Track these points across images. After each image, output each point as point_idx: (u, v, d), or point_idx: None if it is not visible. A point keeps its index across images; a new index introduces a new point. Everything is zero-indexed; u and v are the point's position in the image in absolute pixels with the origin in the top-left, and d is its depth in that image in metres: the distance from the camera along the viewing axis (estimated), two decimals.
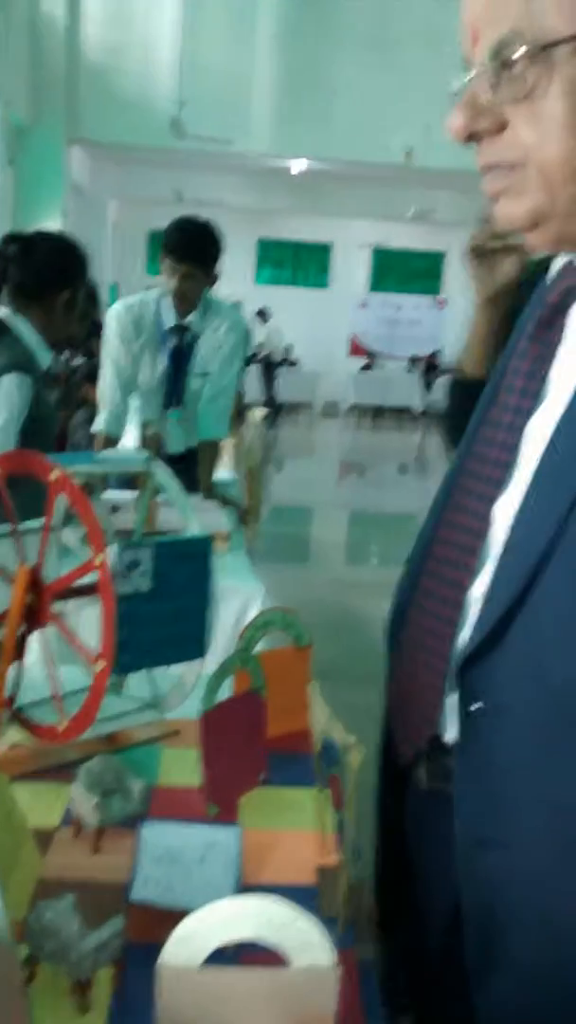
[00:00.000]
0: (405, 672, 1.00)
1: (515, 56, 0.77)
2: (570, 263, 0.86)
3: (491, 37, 0.79)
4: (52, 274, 2.21)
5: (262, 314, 14.70)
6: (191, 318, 3.11)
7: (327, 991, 0.66)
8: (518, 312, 1.53)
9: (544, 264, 1.49)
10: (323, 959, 0.65)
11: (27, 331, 2.19)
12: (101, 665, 1.05)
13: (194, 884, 0.91)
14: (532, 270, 1.49)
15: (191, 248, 3.00)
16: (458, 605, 0.91)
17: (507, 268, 1.47)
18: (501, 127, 0.81)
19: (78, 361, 4.12)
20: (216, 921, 0.66)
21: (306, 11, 9.36)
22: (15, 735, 1.19)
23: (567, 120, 0.78)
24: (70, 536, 1.29)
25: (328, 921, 0.87)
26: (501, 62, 0.78)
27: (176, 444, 3.21)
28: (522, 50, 0.77)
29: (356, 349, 16.71)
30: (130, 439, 3.30)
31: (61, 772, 1.16)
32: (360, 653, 4.05)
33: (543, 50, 0.77)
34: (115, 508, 2.54)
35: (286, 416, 15.06)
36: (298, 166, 11.29)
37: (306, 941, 0.66)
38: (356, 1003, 0.81)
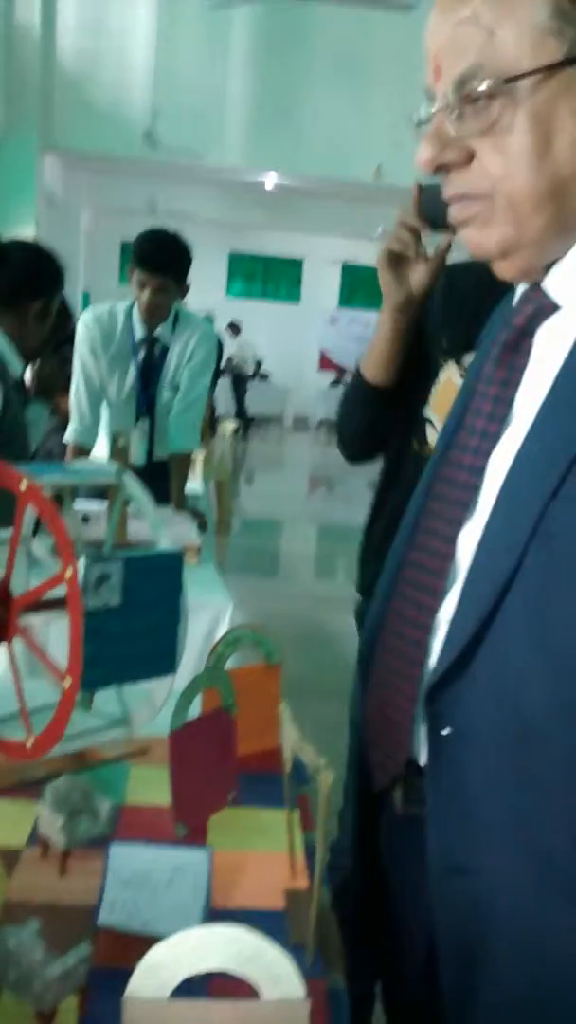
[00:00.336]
0: (377, 695, 0.99)
1: (479, 89, 0.77)
2: (536, 285, 0.86)
3: (454, 70, 0.79)
4: (25, 283, 2.19)
5: (233, 327, 14.70)
6: (161, 330, 3.09)
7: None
8: (424, 323, 1.54)
9: (451, 271, 1.50)
10: (293, 991, 0.64)
11: None
12: (69, 681, 1.02)
13: (162, 908, 0.89)
14: (443, 282, 1.50)
15: (162, 260, 2.98)
16: (427, 628, 0.90)
17: (418, 276, 1.47)
18: (468, 158, 0.81)
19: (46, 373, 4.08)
20: (185, 951, 0.64)
21: (280, 27, 9.39)
22: None
23: (533, 153, 0.78)
24: (39, 547, 1.27)
25: (297, 948, 0.86)
26: (465, 95, 0.78)
27: (141, 456, 3.18)
28: (485, 84, 0.77)
29: (326, 364, 16.76)
30: (101, 449, 3.28)
31: (27, 790, 1.13)
32: (330, 667, 4.04)
33: (506, 83, 0.77)
34: (86, 518, 2.51)
35: (256, 430, 15.06)
36: (271, 181, 11.33)
37: (276, 973, 0.64)
38: None
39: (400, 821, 0.99)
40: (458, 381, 1.54)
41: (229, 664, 1.24)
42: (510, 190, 0.80)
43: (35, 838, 1.03)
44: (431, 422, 1.55)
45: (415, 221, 1.43)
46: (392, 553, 1.01)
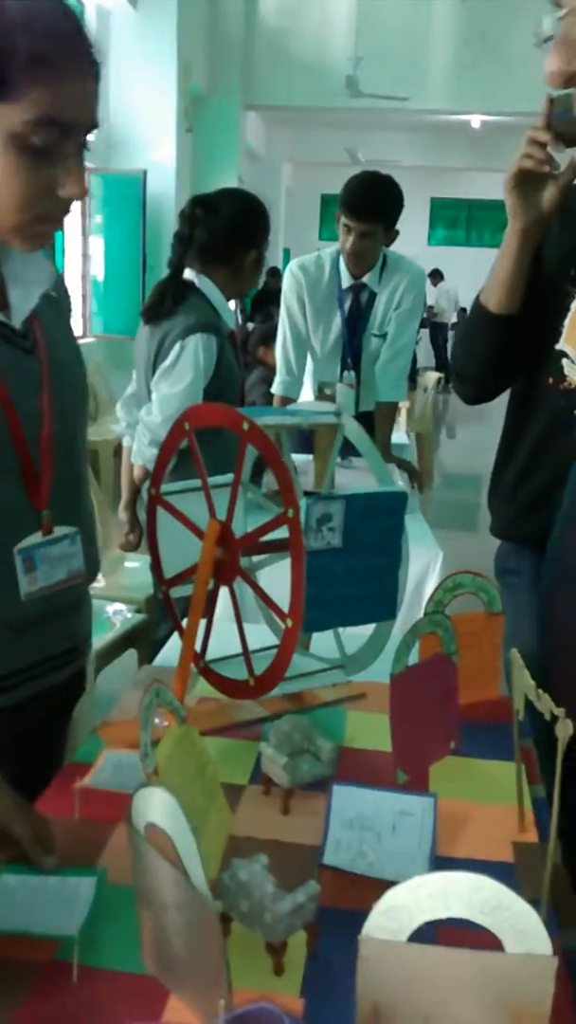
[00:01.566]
0: None
1: None
2: None
3: None
4: (237, 233, 2.19)
5: (434, 275, 14.37)
6: (368, 277, 3.02)
7: (543, 982, 0.60)
8: (545, 249, 1.40)
9: (570, 192, 1.35)
10: (540, 947, 0.60)
11: (213, 292, 2.18)
12: (291, 622, 1.02)
13: (387, 852, 0.88)
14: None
15: (371, 205, 2.86)
16: None
17: (548, 196, 1.36)
18: None
19: (254, 324, 4.14)
20: (425, 895, 0.61)
21: None
22: (203, 690, 1.19)
23: None
24: (254, 493, 1.27)
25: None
26: None
27: (350, 407, 3.15)
28: None
29: None
30: (306, 401, 3.28)
31: (248, 729, 1.15)
32: None
33: None
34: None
35: None
36: (477, 120, 10.91)
37: (521, 927, 0.61)
38: (565, 996, 0.75)
39: None
40: None
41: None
42: None
43: (258, 776, 1.04)
44: (567, 355, 1.46)
45: (546, 136, 1.32)
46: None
